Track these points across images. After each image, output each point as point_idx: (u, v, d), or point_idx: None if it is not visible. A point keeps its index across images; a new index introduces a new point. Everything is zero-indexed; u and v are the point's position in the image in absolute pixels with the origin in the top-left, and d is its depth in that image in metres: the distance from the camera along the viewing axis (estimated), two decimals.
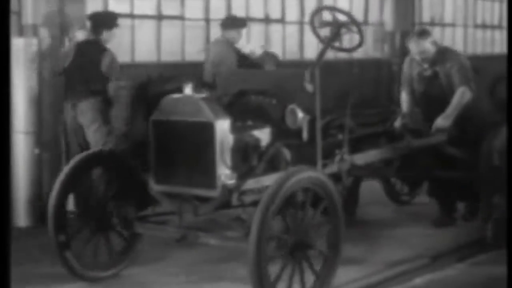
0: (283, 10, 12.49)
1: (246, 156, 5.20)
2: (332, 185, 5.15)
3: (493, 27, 17.25)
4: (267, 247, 4.74)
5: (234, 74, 6.35)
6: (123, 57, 10.31)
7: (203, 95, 5.33)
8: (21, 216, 7.39)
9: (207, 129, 5.11)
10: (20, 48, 7.57)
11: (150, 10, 10.65)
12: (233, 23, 9.04)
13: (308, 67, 5.55)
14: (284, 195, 4.77)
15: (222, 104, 5.37)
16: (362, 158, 6.15)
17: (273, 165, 5.30)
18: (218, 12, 11.06)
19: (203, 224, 5.42)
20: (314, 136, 5.40)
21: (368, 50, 13.72)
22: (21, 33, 8.12)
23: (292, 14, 12.66)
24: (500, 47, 16.97)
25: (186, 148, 5.24)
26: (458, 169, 6.83)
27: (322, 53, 5.74)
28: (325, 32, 5.97)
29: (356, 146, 6.23)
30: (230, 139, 5.13)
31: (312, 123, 5.39)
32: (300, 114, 5.34)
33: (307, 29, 12.86)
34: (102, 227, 5.73)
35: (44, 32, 8.05)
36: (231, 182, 5.07)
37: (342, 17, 5.93)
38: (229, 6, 11.54)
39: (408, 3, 14.20)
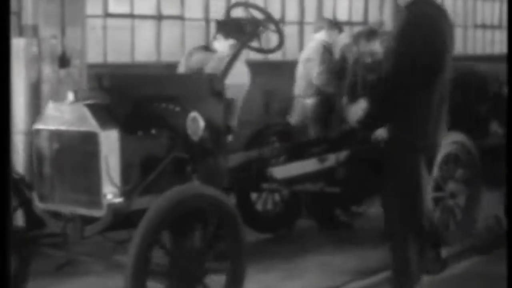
0: (283, 10, 12.49)
1: (139, 171, 4.60)
2: (230, 204, 4.54)
3: (493, 27, 17.25)
4: (147, 278, 4.13)
5: (137, 78, 5.61)
6: (123, 57, 10.34)
7: (90, 101, 4.72)
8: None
9: (91, 140, 4.49)
10: (20, 49, 7.57)
11: (150, 11, 10.67)
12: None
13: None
14: (164, 218, 4.17)
15: (121, 112, 4.79)
16: (283, 171, 5.47)
17: (178, 181, 4.66)
18: (217, 12, 11.07)
19: (92, 248, 4.78)
20: (221, 147, 4.84)
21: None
22: (21, 33, 8.13)
23: (291, 14, 12.68)
24: (500, 47, 16.98)
25: (70, 161, 4.63)
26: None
27: (236, 54, 5.23)
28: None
29: (296, 155, 5.64)
30: (119, 151, 4.50)
31: (217, 134, 4.81)
32: (202, 123, 4.73)
33: (307, 29, 12.90)
34: None
35: (44, 32, 8.06)
36: (118, 201, 4.45)
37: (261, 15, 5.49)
38: (228, 6, 11.54)
39: None
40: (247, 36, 5.34)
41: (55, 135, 4.67)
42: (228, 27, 5.64)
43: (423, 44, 4.59)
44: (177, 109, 4.82)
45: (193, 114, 4.74)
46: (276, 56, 12.22)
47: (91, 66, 9.38)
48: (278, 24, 5.42)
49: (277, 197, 6.81)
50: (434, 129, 4.78)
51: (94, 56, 9.79)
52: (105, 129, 4.47)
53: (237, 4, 5.64)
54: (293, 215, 6.85)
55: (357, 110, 4.86)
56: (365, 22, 13.78)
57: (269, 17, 5.41)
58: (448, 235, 5.83)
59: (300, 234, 6.85)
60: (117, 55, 10.34)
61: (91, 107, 4.58)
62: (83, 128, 4.53)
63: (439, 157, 5.88)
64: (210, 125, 4.71)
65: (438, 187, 5.95)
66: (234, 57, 5.19)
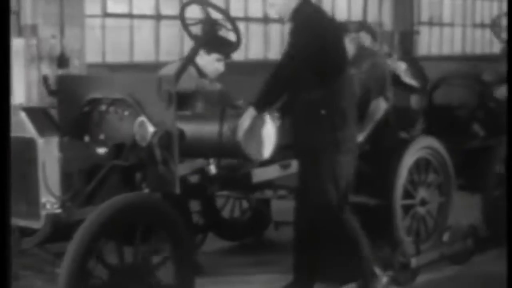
0: None
1: (82, 180, 4.31)
2: (172, 212, 4.26)
3: (495, 26, 17.24)
4: None
5: (85, 79, 5.32)
6: (121, 57, 10.33)
7: (29, 105, 4.51)
8: None
9: (29, 148, 4.22)
10: (20, 49, 7.58)
11: (149, 10, 10.65)
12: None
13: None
14: (99, 229, 3.94)
15: (68, 116, 4.61)
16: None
17: (127, 190, 4.41)
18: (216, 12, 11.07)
19: (31, 261, 4.52)
20: (172, 153, 4.46)
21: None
22: (20, 33, 8.13)
23: None
24: (499, 47, 16.98)
25: None
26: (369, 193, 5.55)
27: (191, 55, 4.96)
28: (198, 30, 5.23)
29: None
30: (59, 159, 4.24)
31: (167, 139, 4.44)
32: (151, 129, 4.41)
33: None
34: None
35: (43, 32, 8.06)
36: (58, 211, 4.20)
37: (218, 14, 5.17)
38: (228, 6, 11.54)
39: (407, 3, 14.20)
40: (204, 35, 5.01)
41: None
42: (210, 41, 5.26)
43: (313, 49, 4.61)
44: (126, 113, 4.56)
45: (141, 118, 4.43)
46: (276, 55, 12.24)
47: (90, 66, 9.38)
48: (235, 23, 5.11)
49: (245, 204, 6.46)
50: (351, 123, 4.80)
51: (93, 56, 9.78)
52: (43, 136, 4.20)
53: (191, 2, 5.33)
54: (261, 224, 6.48)
55: None
56: (364, 21, 13.79)
57: (226, 16, 5.16)
58: (418, 244, 5.49)
59: (268, 243, 6.49)
60: (116, 55, 10.33)
61: (29, 111, 4.31)
62: (20, 134, 4.23)
63: (410, 162, 5.68)
64: (160, 130, 4.37)
65: (408, 194, 5.72)
66: (189, 59, 4.93)
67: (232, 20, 5.10)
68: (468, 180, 6.49)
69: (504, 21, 9.24)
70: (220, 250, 6.25)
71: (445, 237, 5.77)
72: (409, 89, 6.49)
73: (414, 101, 6.39)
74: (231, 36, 5.25)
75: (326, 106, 4.68)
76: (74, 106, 4.69)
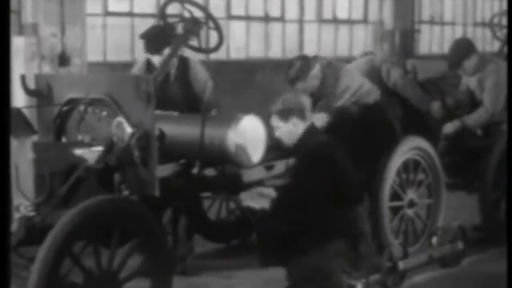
0: (282, 9, 12.48)
1: (58, 182, 4.20)
2: (148, 215, 4.14)
3: (493, 25, 17.22)
4: None
5: (64, 79, 5.19)
6: (122, 57, 10.33)
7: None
8: None
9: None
10: (20, 48, 7.57)
11: (150, 9, 10.64)
12: None
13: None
14: (70, 234, 3.83)
15: (47, 116, 4.56)
16: None
17: (105, 192, 4.32)
18: (217, 10, 11.06)
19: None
20: (152, 154, 4.33)
21: (368, 49, 13.72)
22: (21, 32, 8.13)
23: (291, 12, 12.66)
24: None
25: None
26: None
27: (172, 54, 4.88)
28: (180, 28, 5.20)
29: None
30: (33, 161, 4.11)
31: (145, 140, 4.29)
32: (129, 129, 4.29)
33: (307, 27, 12.89)
34: None
35: (44, 31, 8.05)
36: (32, 214, 4.09)
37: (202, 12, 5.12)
38: (228, 5, 11.53)
39: (408, 2, 14.19)
40: (185, 34, 4.94)
41: None
42: (154, 40, 5.16)
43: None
44: (104, 113, 4.48)
45: (119, 119, 4.33)
46: (276, 55, 12.24)
47: (91, 65, 9.38)
48: (217, 22, 5.02)
49: (232, 205, 6.38)
50: None
51: (94, 54, 9.78)
52: (17, 137, 4.07)
53: (173, 0, 5.25)
54: (249, 225, 6.26)
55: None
56: (365, 20, 13.77)
57: (207, 14, 5.07)
58: (406, 247, 5.40)
59: (253, 246, 6.18)
60: (117, 54, 10.33)
61: None
62: None
63: (398, 164, 5.60)
64: (138, 131, 4.27)
65: (396, 196, 5.68)
66: (169, 58, 4.82)
67: (214, 19, 5.01)
68: (466, 180, 6.46)
69: (499, 20, 9.23)
70: (205, 253, 6.18)
71: (434, 239, 5.70)
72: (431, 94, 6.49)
73: (435, 108, 6.37)
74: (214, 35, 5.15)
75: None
76: (51, 106, 4.61)
